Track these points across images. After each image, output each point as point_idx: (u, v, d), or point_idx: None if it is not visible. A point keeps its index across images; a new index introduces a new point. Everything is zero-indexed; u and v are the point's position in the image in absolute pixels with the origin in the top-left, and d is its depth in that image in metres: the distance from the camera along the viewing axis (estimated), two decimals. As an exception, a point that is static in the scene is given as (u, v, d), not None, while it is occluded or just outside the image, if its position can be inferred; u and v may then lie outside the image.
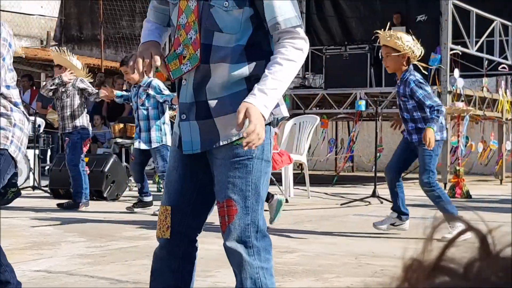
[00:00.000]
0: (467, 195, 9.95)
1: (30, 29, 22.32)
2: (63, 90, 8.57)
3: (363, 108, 12.06)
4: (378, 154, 9.96)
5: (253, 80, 2.56)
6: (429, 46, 11.94)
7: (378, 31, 6.37)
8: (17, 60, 18.83)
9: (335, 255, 5.22)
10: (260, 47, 2.60)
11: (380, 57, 6.52)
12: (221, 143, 2.57)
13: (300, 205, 9.00)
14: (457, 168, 10.24)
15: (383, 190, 10.20)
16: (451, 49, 11.96)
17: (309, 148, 11.10)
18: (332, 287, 4.14)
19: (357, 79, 12.90)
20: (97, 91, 8.65)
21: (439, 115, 6.10)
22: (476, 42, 12.77)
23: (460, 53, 12.41)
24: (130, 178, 10.86)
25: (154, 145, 7.81)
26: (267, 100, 2.45)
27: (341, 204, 9.03)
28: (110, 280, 4.24)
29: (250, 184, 2.56)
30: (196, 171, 2.67)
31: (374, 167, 9.54)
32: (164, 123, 7.93)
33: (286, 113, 2.72)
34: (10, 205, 8.73)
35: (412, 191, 11.52)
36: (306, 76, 17.13)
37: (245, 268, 2.56)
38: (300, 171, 11.55)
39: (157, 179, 10.94)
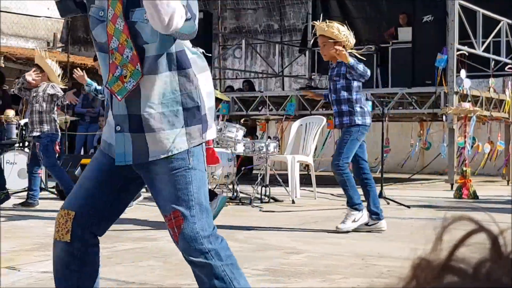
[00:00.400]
0: (474, 196, 9.93)
1: (36, 30, 22.37)
2: (34, 94, 8.69)
3: (370, 109, 12.04)
4: (384, 155, 9.94)
5: (186, 97, 2.67)
6: (435, 46, 11.97)
7: (315, 22, 6.82)
8: (24, 61, 18.87)
9: (342, 256, 5.22)
10: (183, 54, 2.69)
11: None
12: (149, 159, 2.67)
13: (306, 206, 8.99)
14: (464, 168, 10.21)
15: (390, 191, 10.19)
16: (458, 50, 11.94)
17: (315, 149, 11.08)
18: (338, 288, 4.14)
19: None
20: (63, 93, 8.78)
21: (363, 72, 6.40)
22: (483, 42, 12.74)
23: (467, 54, 12.38)
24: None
25: None
26: None
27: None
28: (117, 282, 4.25)
29: (192, 193, 2.66)
30: (117, 180, 2.76)
31: (380, 167, 9.51)
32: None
33: (213, 136, 2.86)
34: (18, 206, 8.75)
35: (419, 192, 11.51)
36: (313, 77, 17.14)
37: (210, 271, 2.67)
38: (306, 172, 11.54)
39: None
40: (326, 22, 6.68)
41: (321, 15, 16.70)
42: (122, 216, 7.71)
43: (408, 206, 8.75)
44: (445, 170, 13.79)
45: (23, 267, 4.71)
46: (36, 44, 22.45)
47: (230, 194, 9.53)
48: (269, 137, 10.03)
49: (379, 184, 9.29)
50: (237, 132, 9.36)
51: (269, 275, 4.47)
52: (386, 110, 10.58)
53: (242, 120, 11.95)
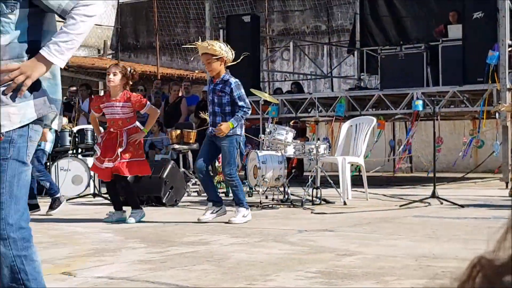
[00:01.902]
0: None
1: (87, 38, 22.67)
2: None
3: (420, 108, 11.93)
4: (436, 154, 9.83)
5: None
6: (486, 43, 11.79)
7: (197, 42, 7.61)
8: (75, 69, 19.17)
9: (395, 257, 5.17)
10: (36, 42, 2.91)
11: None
12: None
13: (358, 207, 8.94)
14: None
15: (443, 191, 10.07)
16: (509, 46, 11.75)
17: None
18: (393, 290, 4.10)
19: (413, 78, 12.77)
20: None
21: (244, 116, 7.55)
22: (535, 37, 12.51)
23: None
24: (188, 183, 10.95)
25: None
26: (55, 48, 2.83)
27: (400, 206, 8.93)
28: (170, 286, 4.28)
29: (4, 182, 2.83)
30: None
31: (433, 167, 9.41)
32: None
33: (55, 126, 3.08)
34: (73, 212, 8.88)
35: (475, 191, 11.36)
36: (362, 77, 17.04)
37: (1, 259, 2.83)
38: (358, 173, 11.48)
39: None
40: (207, 42, 7.66)
41: (369, 15, 16.62)
42: (174, 220, 7.78)
43: (462, 206, 8.64)
44: (495, 170, 13.59)
45: (79, 272, 4.77)
46: (87, 52, 22.78)
47: (281, 197, 9.53)
48: (318, 139, 10.00)
49: (432, 184, 9.20)
50: (287, 134, 9.36)
51: (322, 277, 4.45)
52: (438, 109, 10.46)
53: (291, 122, 11.93)
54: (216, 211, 7.62)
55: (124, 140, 7.68)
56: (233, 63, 7.61)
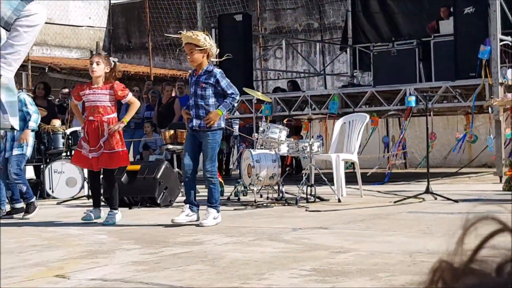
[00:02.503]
0: (524, 188, 9.76)
1: (79, 40, 22.65)
2: None
3: (414, 104, 11.94)
4: (430, 150, 9.84)
5: None
6: (478, 38, 11.81)
7: (181, 31, 7.37)
8: (68, 71, 19.13)
9: (390, 253, 5.17)
10: None
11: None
12: None
13: (353, 204, 8.94)
14: (512, 160, 10.05)
15: (437, 186, 10.08)
16: (501, 40, 11.77)
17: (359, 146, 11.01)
18: (386, 286, 4.10)
19: (406, 75, 12.79)
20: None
21: (232, 103, 7.38)
22: (527, 31, 12.53)
23: (511, 44, 12.19)
24: (182, 184, 10.94)
25: None
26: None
27: (395, 202, 8.94)
28: (164, 286, 4.27)
29: None
30: None
31: (426, 162, 9.42)
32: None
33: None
34: (66, 215, 8.86)
35: (468, 186, 11.37)
36: (355, 74, 17.05)
37: None
38: (352, 170, 11.48)
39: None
40: (192, 31, 7.34)
41: (361, 12, 16.63)
42: (168, 220, 7.76)
43: (456, 201, 8.64)
44: (488, 162, 13.60)
45: (72, 275, 4.76)
46: (79, 53, 22.74)
47: (275, 195, 9.52)
48: (312, 137, 10.00)
49: (426, 179, 9.20)
50: (280, 132, 9.36)
51: (316, 275, 4.45)
52: (430, 105, 10.46)
53: (285, 121, 11.93)
54: (191, 216, 7.38)
55: (105, 129, 7.62)
56: (217, 59, 7.52)
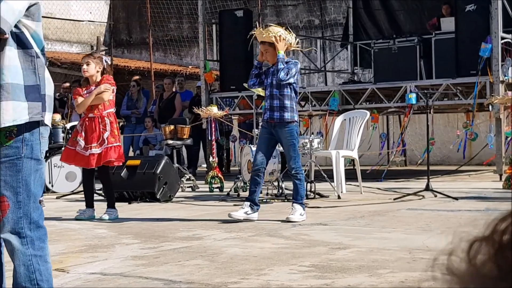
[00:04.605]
0: (524, 186, 9.75)
1: (80, 35, 22.63)
2: None
3: (414, 101, 11.92)
4: (430, 147, 9.83)
5: (27, 74, 2.90)
6: (479, 36, 11.79)
7: (255, 29, 7.17)
8: (69, 66, 19.11)
9: (389, 250, 5.17)
10: (23, 35, 2.92)
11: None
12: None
13: (352, 201, 8.94)
14: (512, 158, 10.04)
15: (437, 184, 10.07)
16: (502, 38, 11.76)
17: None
18: (386, 282, 4.10)
19: (406, 72, 12.77)
20: None
21: (284, 73, 6.95)
22: (528, 29, 12.51)
23: (512, 42, 12.18)
24: (182, 179, 10.94)
25: None
26: None
27: (394, 199, 8.94)
28: (164, 281, 4.27)
29: (20, 181, 2.87)
30: None
31: (426, 160, 9.41)
32: None
33: (49, 122, 3.03)
34: (66, 209, 8.86)
35: (467, 184, 11.37)
36: (355, 71, 17.03)
37: (19, 256, 2.88)
38: (352, 167, 11.48)
39: (208, 179, 11.01)
40: (265, 29, 7.04)
41: (362, 8, 16.62)
42: (168, 216, 7.77)
43: (456, 198, 8.64)
44: (486, 161, 13.61)
45: (71, 269, 4.76)
46: (80, 48, 22.72)
47: (275, 191, 9.52)
48: (312, 133, 9.99)
49: (426, 177, 9.20)
50: (280, 129, 9.34)
51: (315, 271, 4.45)
52: (431, 102, 10.45)
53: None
54: (249, 214, 7.05)
55: (107, 123, 7.58)
56: (297, 48, 7.27)
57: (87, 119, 7.62)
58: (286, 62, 7.07)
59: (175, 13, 21.87)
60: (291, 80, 7.07)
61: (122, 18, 23.54)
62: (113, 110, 7.73)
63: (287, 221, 6.92)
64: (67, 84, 15.30)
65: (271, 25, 7.12)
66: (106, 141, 7.51)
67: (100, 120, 7.57)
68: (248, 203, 7.09)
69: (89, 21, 22.05)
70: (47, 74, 3.00)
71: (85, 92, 7.67)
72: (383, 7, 16.42)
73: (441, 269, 0.63)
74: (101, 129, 7.55)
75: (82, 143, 7.55)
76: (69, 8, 21.96)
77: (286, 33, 7.04)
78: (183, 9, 21.84)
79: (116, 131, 7.67)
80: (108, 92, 7.62)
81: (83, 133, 7.57)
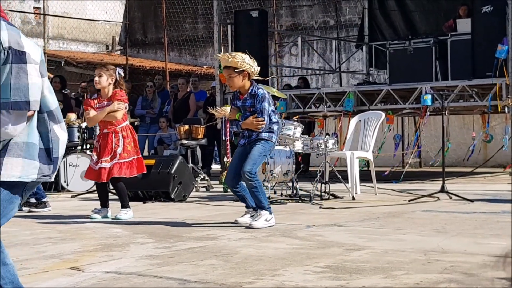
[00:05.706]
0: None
1: (95, 34, 22.71)
2: None
3: (429, 103, 11.88)
4: (445, 151, 9.79)
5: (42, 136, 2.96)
6: (495, 37, 11.73)
7: (218, 54, 7.21)
8: (84, 65, 19.19)
9: (404, 251, 5.16)
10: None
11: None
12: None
13: (367, 202, 8.92)
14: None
15: (452, 185, 10.04)
16: (519, 40, 11.69)
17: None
18: (401, 284, 4.09)
19: (422, 73, 12.73)
20: None
21: (275, 132, 6.92)
22: (545, 31, 12.43)
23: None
24: (196, 179, 10.95)
25: None
26: None
27: (409, 201, 8.91)
28: (178, 281, 4.28)
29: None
30: None
31: (442, 161, 9.38)
32: None
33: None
34: (81, 208, 8.89)
35: (484, 186, 11.32)
36: (370, 72, 16.99)
37: None
38: (366, 168, 11.46)
39: (223, 179, 11.02)
40: (228, 54, 6.96)
41: (378, 9, 16.57)
42: (183, 216, 7.79)
43: (471, 200, 8.61)
44: (506, 166, 13.54)
45: (86, 267, 4.78)
46: (96, 48, 22.80)
47: (289, 192, 9.51)
48: (327, 134, 9.98)
49: (441, 178, 9.17)
50: (295, 129, 9.34)
51: (330, 272, 4.44)
52: (446, 103, 10.42)
53: (296, 117, 11.91)
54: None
55: (121, 139, 7.60)
56: (258, 77, 6.97)
57: (101, 135, 7.68)
58: (252, 106, 6.89)
59: (190, 13, 21.91)
60: (271, 114, 6.94)
61: (137, 18, 23.60)
62: (126, 123, 7.74)
63: (250, 227, 6.65)
64: (84, 84, 15.35)
65: (237, 53, 6.95)
66: (118, 156, 7.53)
67: (114, 135, 7.60)
68: (247, 209, 7.05)
69: (104, 20, 22.12)
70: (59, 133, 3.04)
71: (97, 106, 7.67)
72: (398, 7, 16.38)
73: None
74: (113, 144, 7.56)
75: (95, 157, 7.62)
76: (85, 8, 22.04)
77: (251, 61, 6.88)
78: (198, 9, 21.88)
79: (129, 146, 7.65)
80: (121, 111, 7.65)
81: (98, 149, 7.63)
